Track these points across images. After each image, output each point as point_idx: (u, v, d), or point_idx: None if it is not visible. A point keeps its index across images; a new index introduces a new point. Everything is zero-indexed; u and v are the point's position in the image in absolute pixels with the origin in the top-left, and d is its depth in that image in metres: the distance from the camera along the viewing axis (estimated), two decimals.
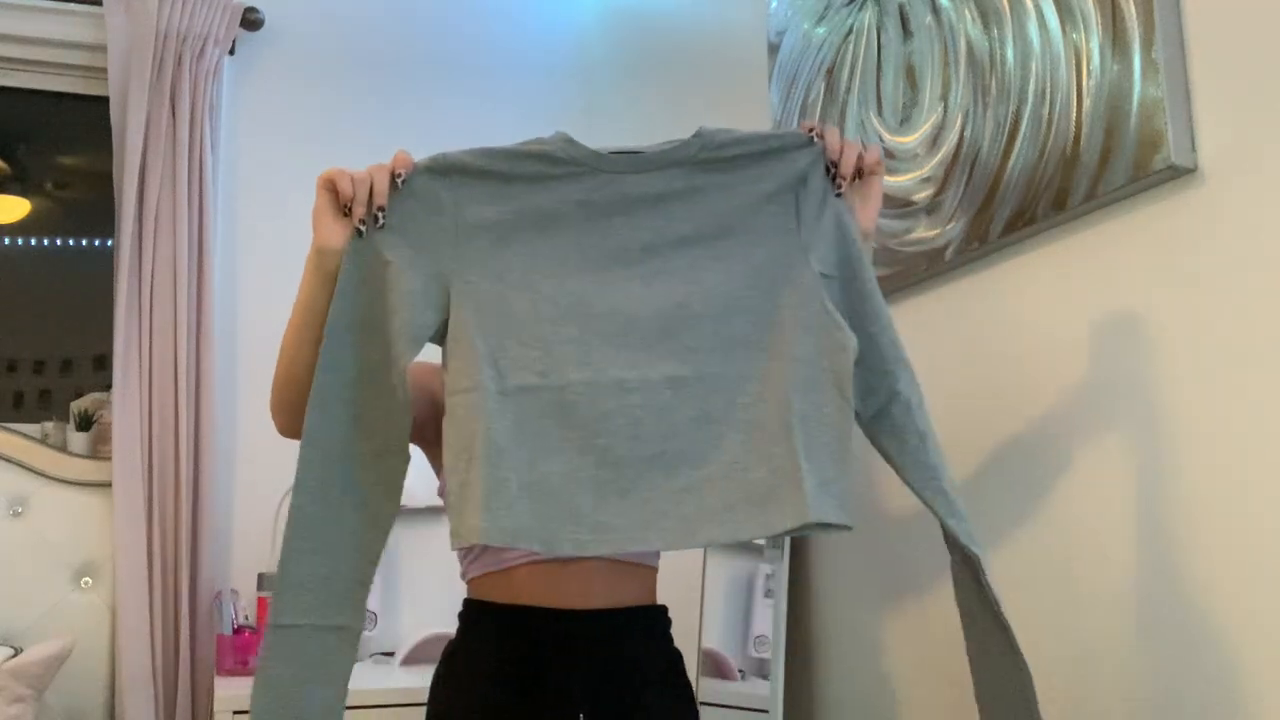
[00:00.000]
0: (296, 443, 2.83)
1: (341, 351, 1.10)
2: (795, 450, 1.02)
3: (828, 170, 1.14)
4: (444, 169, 1.12)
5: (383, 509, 1.10)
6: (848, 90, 1.79)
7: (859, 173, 1.16)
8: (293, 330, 1.20)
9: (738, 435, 1.05)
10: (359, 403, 1.10)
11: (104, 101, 2.39)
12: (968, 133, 1.49)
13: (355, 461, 1.10)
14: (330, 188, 1.12)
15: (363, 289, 1.10)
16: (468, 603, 1.29)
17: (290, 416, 1.20)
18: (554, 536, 1.01)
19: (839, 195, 1.14)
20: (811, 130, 1.15)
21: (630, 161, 1.11)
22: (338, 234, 1.12)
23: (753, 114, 2.12)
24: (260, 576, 2.30)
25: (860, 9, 1.76)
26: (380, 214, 1.10)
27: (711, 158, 1.12)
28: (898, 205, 1.64)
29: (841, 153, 1.15)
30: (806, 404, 1.05)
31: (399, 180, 1.11)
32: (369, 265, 1.10)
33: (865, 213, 1.18)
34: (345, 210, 1.12)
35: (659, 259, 1.10)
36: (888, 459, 1.13)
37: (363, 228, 1.10)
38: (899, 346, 1.13)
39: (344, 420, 1.10)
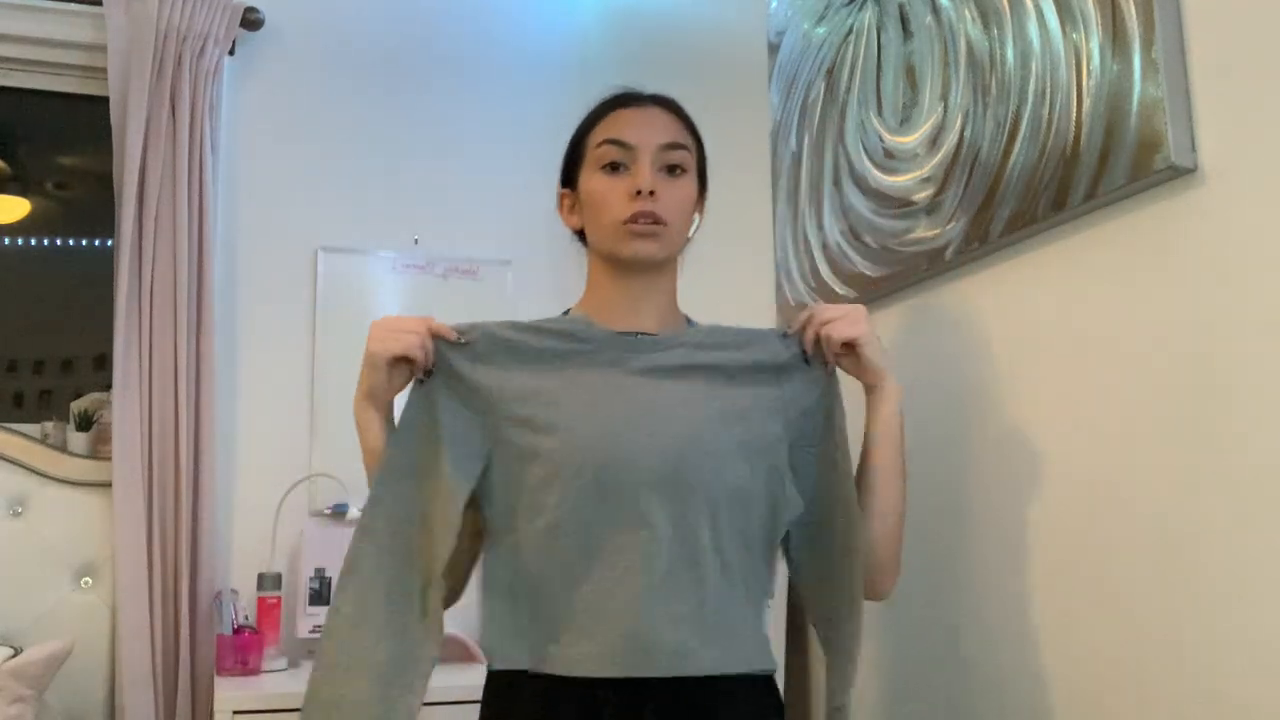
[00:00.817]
0: (295, 440, 2.83)
1: (400, 491, 1.20)
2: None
3: (805, 358, 1.25)
4: (476, 335, 1.23)
5: (425, 640, 1.17)
6: (848, 90, 1.79)
7: (833, 352, 1.24)
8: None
9: (718, 576, 1.17)
10: (411, 538, 1.20)
11: (104, 101, 2.39)
12: (968, 133, 1.49)
13: (400, 592, 1.18)
14: (396, 361, 1.19)
15: (419, 436, 1.22)
16: (496, 675, 1.21)
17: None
18: (579, 660, 1.13)
19: (812, 367, 1.26)
20: (790, 331, 1.26)
21: (640, 344, 1.23)
22: (396, 391, 1.22)
23: (753, 114, 2.12)
24: (260, 576, 2.30)
25: (860, 9, 1.76)
26: (433, 370, 1.22)
27: (707, 342, 1.25)
28: (898, 205, 1.64)
29: (803, 329, 1.25)
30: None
31: (462, 341, 1.21)
32: (423, 414, 1.22)
33: (863, 376, 1.25)
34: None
35: (666, 413, 1.21)
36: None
37: (424, 378, 1.22)
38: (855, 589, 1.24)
39: (397, 554, 1.19)
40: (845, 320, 1.22)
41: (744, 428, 1.21)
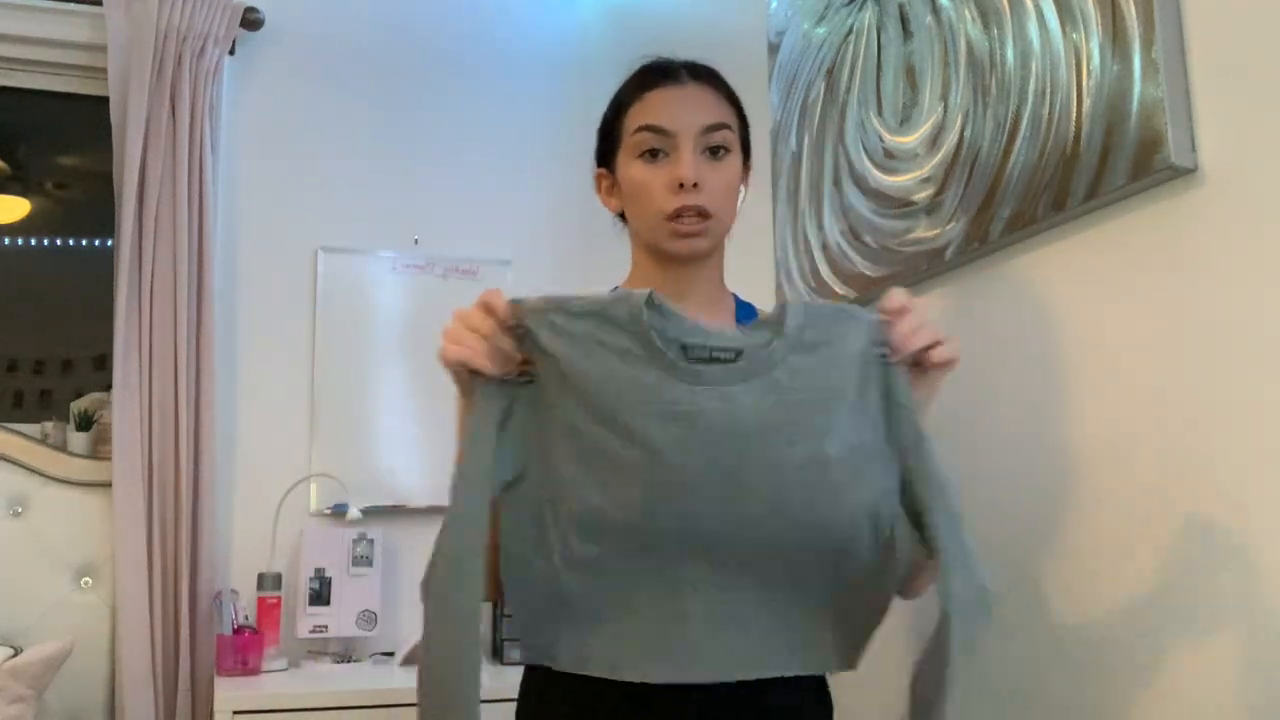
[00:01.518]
0: (295, 440, 2.82)
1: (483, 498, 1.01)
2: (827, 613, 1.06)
3: (884, 351, 1.03)
4: (542, 313, 1.04)
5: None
6: (848, 90, 1.79)
7: (919, 363, 1.03)
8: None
9: (774, 586, 1.03)
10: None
11: (104, 101, 2.40)
12: (968, 133, 1.49)
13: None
14: (472, 363, 1.00)
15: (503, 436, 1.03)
16: (532, 671, 1.14)
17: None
18: (622, 664, 1.02)
19: (888, 362, 1.03)
20: (887, 313, 1.03)
21: (725, 374, 1.00)
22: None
23: (753, 114, 2.12)
24: (260, 576, 2.30)
25: (860, 9, 1.76)
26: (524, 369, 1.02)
27: (795, 344, 1.02)
28: (898, 205, 1.64)
29: (906, 337, 1.02)
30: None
31: (515, 327, 1.04)
32: (502, 412, 1.03)
33: (919, 390, 1.03)
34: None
35: (744, 473, 1.00)
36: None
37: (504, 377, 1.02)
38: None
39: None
40: (947, 344, 1.04)
41: (848, 476, 1.00)
